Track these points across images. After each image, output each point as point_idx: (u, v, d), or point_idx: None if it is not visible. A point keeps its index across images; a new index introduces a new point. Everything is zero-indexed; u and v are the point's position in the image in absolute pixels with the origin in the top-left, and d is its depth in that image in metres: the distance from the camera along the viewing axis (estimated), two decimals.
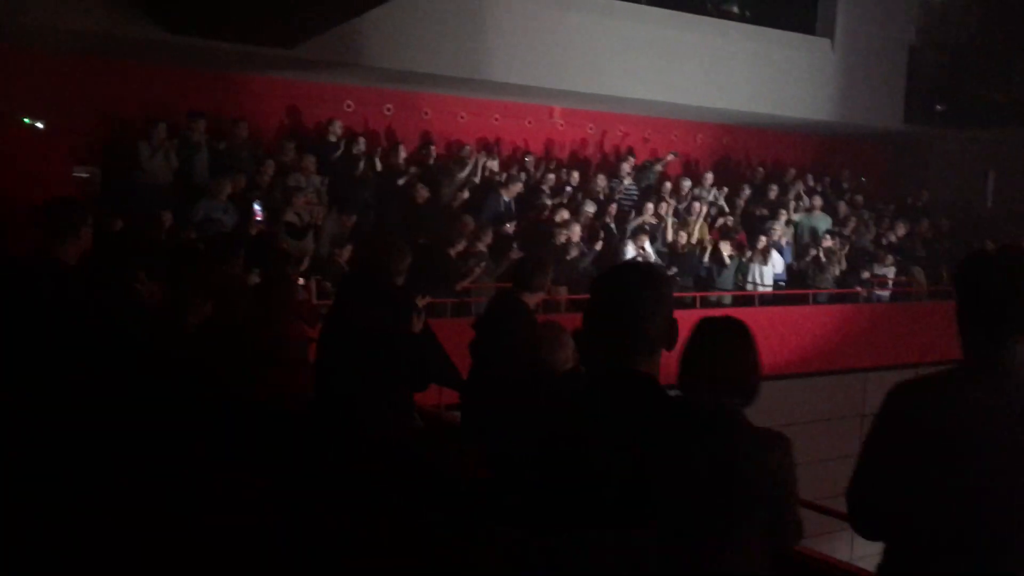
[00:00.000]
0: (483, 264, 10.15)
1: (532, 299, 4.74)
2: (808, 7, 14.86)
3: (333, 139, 11.40)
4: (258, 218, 9.33)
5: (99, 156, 10.49)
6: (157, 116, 10.20)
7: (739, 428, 2.42)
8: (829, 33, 14.64)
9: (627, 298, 2.08)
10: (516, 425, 3.43)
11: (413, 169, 11.59)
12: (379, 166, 11.51)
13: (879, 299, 13.77)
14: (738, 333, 2.54)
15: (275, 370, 5.78)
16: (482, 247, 10.26)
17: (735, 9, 14.83)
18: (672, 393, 2.27)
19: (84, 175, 10.18)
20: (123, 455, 3.52)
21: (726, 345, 2.52)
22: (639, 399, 2.07)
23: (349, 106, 12.39)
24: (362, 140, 11.42)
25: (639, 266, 2.26)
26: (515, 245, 10.73)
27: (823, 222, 14.04)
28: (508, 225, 11.14)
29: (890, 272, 13.81)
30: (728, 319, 2.59)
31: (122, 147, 10.34)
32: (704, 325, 2.61)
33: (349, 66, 11.02)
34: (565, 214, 11.56)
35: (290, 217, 9.66)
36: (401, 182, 11.30)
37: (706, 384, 2.50)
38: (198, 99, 10.97)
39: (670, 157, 13.93)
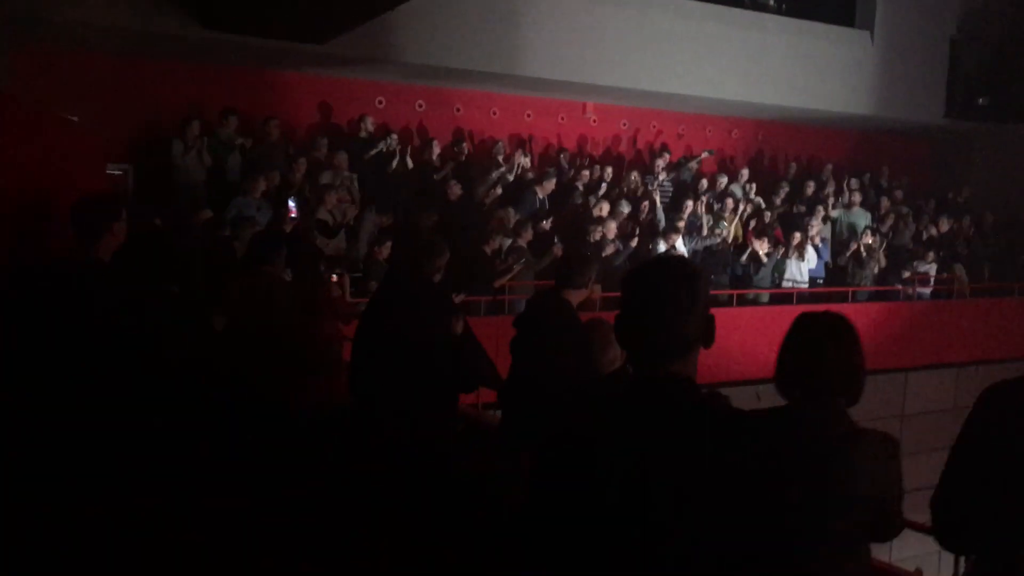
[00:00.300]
0: (523, 261, 10.03)
1: (575, 297, 4.60)
2: None
3: (365, 135, 11.31)
4: (292, 215, 9.26)
5: (132, 154, 10.48)
6: (190, 114, 10.17)
7: (795, 431, 2.30)
8: (868, 25, 14.35)
9: (659, 295, 1.90)
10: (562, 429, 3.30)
11: (448, 166, 11.47)
12: (410, 163, 11.41)
13: (920, 297, 13.48)
14: (843, 329, 2.42)
15: (308, 373, 5.70)
16: (522, 243, 10.14)
17: (772, 2, 14.56)
18: (704, 391, 2.05)
19: (117, 172, 10.17)
20: (148, 456, 3.43)
21: (831, 343, 2.40)
22: (671, 403, 1.89)
23: (380, 102, 12.29)
24: (394, 137, 11.32)
25: (670, 260, 2.06)
26: (556, 240, 10.61)
27: (862, 218, 13.77)
28: (545, 222, 11.01)
29: (931, 269, 13.52)
30: (830, 315, 2.47)
31: (155, 145, 10.33)
32: (804, 321, 2.48)
33: (380, 62, 10.93)
34: (601, 210, 11.41)
35: (322, 215, 9.57)
36: (437, 177, 11.19)
37: (808, 384, 2.37)
38: (231, 96, 10.93)
39: (705, 154, 13.72)
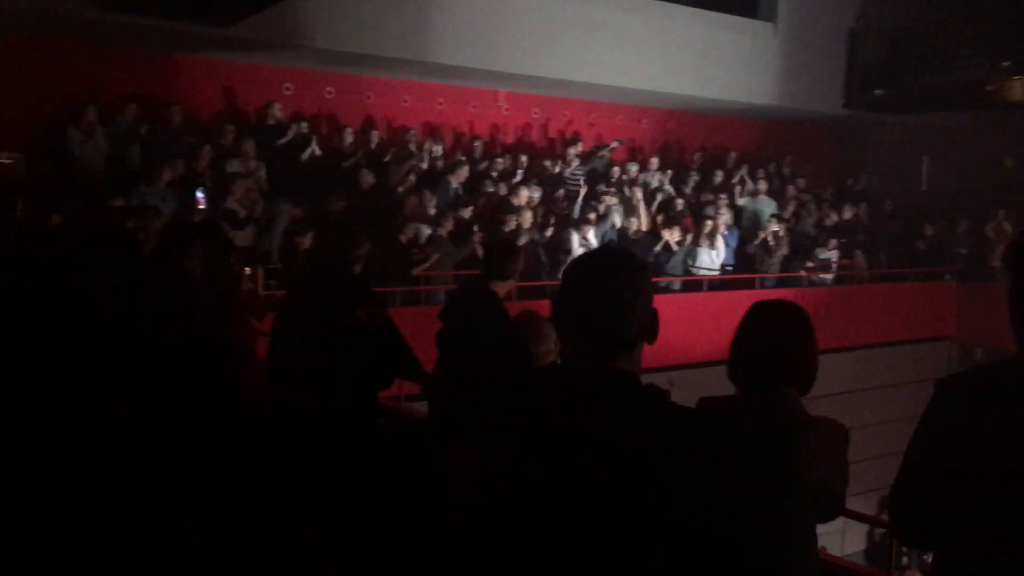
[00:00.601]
0: (441, 250, 9.94)
1: (502, 288, 4.52)
2: None
3: (273, 123, 11.01)
4: (201, 206, 8.93)
5: (25, 142, 9.94)
6: (86, 99, 9.71)
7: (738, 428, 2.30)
8: (771, 17, 14.65)
9: (604, 286, 1.80)
10: (500, 423, 3.23)
11: (359, 153, 11.26)
12: (318, 151, 11.16)
13: (823, 283, 13.87)
14: (796, 318, 2.41)
15: (225, 367, 5.52)
16: (442, 232, 10.03)
17: None
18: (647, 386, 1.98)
19: (7, 161, 9.64)
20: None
21: (783, 331, 2.39)
22: (620, 403, 1.83)
23: (288, 89, 11.98)
24: (305, 124, 11.05)
25: (614, 251, 1.92)
26: (476, 229, 10.52)
27: (767, 207, 14.07)
28: (465, 211, 10.92)
29: (833, 256, 13.92)
30: (783, 303, 2.46)
31: (50, 132, 9.84)
32: (758, 310, 2.47)
33: (289, 47, 10.63)
34: (520, 199, 11.35)
35: (231, 205, 9.27)
36: (347, 165, 10.97)
37: (760, 373, 2.36)
38: (130, 82, 10.50)
39: (615, 144, 13.82)
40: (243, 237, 8.99)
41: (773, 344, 2.42)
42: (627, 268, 1.82)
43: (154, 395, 4.12)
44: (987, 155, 17.89)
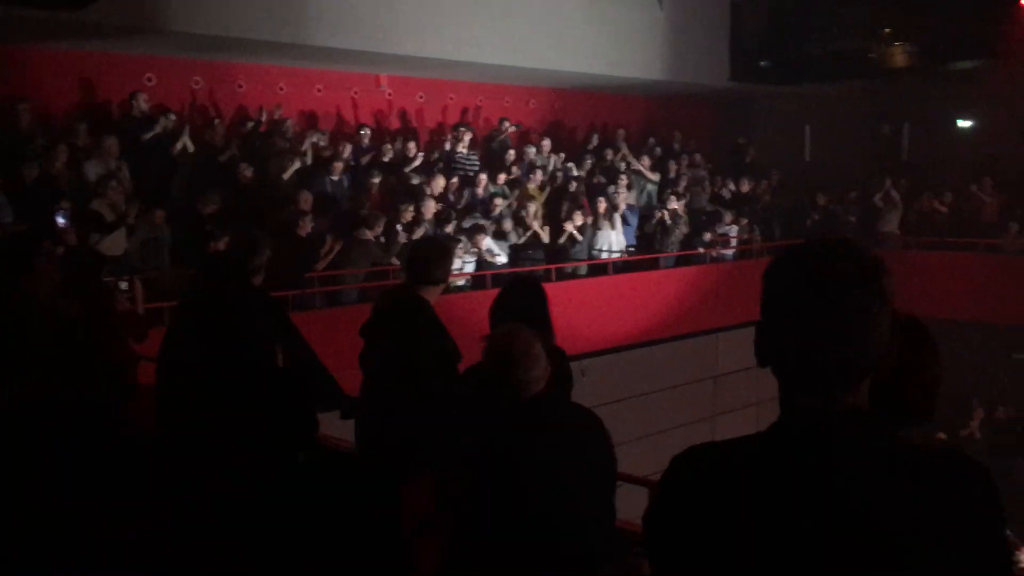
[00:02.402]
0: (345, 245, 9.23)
1: (433, 294, 3.87)
2: None
3: (138, 116, 9.97)
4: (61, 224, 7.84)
5: None
6: None
7: None
8: None
9: (848, 302, 1.33)
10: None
11: (234, 145, 10.35)
12: (191, 146, 10.18)
13: (723, 258, 13.71)
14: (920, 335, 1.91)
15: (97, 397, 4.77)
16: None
17: None
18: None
19: None
20: None
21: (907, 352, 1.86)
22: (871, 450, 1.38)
23: (150, 80, 10.91)
24: (172, 117, 10.06)
25: (848, 247, 1.37)
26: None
27: (660, 184, 13.84)
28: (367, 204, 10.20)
29: (731, 231, 13.77)
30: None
31: None
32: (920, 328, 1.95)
33: (148, 32, 9.58)
34: (431, 187, 10.67)
35: (96, 207, 8.27)
36: (223, 159, 10.05)
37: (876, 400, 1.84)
38: None
39: (513, 128, 13.33)
40: (112, 247, 8.01)
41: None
42: (874, 272, 1.36)
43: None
44: (865, 123, 18.20)
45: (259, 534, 3.35)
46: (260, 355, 3.65)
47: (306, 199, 9.48)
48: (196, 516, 3.76)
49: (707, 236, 13.38)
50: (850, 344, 1.35)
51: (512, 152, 12.71)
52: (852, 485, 1.32)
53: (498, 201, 11.41)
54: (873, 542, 1.30)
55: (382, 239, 9.82)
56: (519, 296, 3.64)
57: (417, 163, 11.51)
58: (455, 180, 11.54)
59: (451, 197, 11.34)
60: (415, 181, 11.01)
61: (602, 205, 12.20)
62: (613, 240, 12.17)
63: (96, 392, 4.68)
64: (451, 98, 13.91)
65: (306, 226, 9.02)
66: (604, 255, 12.06)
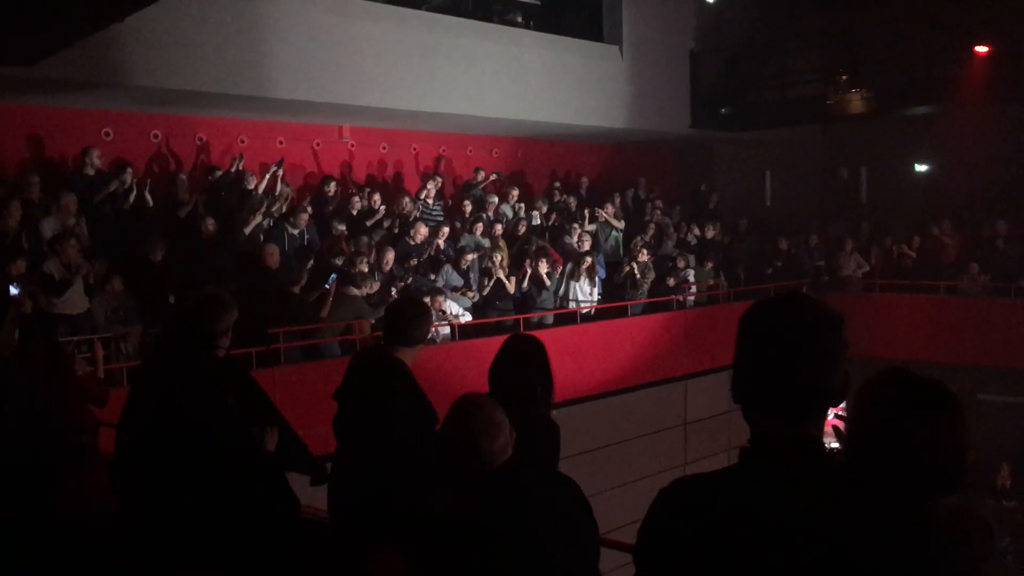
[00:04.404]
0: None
1: (410, 355, 3.71)
2: (594, 14, 14.61)
3: (92, 172, 9.73)
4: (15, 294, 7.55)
5: None
6: None
7: None
8: (617, 40, 14.43)
9: (816, 345, 1.65)
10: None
11: (195, 199, 10.16)
12: (150, 201, 9.96)
13: (688, 304, 13.66)
14: (946, 403, 1.82)
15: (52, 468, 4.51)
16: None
17: (519, 18, 14.26)
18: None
19: None
20: None
21: (933, 419, 1.79)
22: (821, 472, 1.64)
23: (108, 134, 10.69)
24: (129, 171, 9.83)
25: (813, 303, 1.69)
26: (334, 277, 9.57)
27: (625, 233, 13.82)
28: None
29: (690, 275, 13.75)
30: (919, 380, 1.84)
31: None
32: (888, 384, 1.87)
33: (104, 87, 9.41)
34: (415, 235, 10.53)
35: (49, 269, 7.99)
36: (182, 215, 9.84)
37: (895, 465, 1.76)
38: None
39: (493, 176, 13.44)
40: (72, 303, 7.74)
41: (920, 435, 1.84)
42: (833, 323, 1.67)
43: None
44: (824, 167, 18.44)
45: None
46: (225, 430, 3.44)
47: (271, 252, 9.29)
48: None
49: (670, 282, 13.33)
50: (814, 378, 1.63)
51: (478, 202, 12.64)
52: (792, 505, 1.54)
53: (469, 256, 11.27)
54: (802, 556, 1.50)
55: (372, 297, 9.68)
56: (518, 356, 3.60)
57: (380, 215, 11.34)
58: (425, 231, 11.37)
59: (415, 247, 11.17)
60: (419, 229, 10.90)
61: (584, 262, 12.08)
62: (580, 291, 12.05)
63: (47, 459, 4.43)
64: (414, 148, 13.84)
65: (271, 279, 8.84)
66: (572, 304, 11.94)
